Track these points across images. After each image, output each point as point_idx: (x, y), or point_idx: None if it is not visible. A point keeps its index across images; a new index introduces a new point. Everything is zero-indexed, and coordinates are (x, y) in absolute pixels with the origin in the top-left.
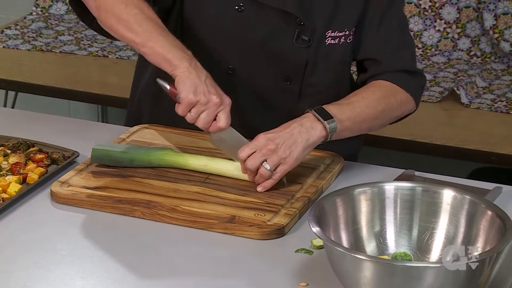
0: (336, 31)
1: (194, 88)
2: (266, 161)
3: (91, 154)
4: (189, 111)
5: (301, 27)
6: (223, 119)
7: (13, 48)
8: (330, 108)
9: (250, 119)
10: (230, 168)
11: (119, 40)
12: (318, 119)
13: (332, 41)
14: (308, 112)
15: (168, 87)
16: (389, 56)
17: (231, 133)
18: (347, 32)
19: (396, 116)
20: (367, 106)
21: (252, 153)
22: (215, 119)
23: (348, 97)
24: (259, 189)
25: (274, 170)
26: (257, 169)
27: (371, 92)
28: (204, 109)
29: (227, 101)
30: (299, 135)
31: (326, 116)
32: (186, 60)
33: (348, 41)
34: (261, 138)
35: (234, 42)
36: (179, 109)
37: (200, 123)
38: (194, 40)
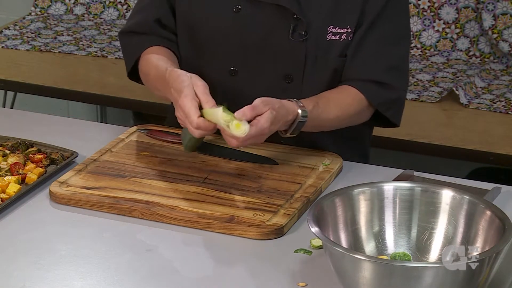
0: (338, 27)
1: None
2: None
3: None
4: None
5: (297, 21)
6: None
7: (12, 48)
8: (306, 102)
9: None
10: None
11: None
12: (298, 104)
13: (333, 37)
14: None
15: None
16: (361, 64)
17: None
18: (349, 30)
19: (355, 122)
20: (337, 107)
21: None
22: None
23: (321, 95)
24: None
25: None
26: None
27: (343, 98)
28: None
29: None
30: (287, 115)
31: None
32: None
33: (349, 39)
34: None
35: (234, 43)
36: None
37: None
38: (197, 42)
